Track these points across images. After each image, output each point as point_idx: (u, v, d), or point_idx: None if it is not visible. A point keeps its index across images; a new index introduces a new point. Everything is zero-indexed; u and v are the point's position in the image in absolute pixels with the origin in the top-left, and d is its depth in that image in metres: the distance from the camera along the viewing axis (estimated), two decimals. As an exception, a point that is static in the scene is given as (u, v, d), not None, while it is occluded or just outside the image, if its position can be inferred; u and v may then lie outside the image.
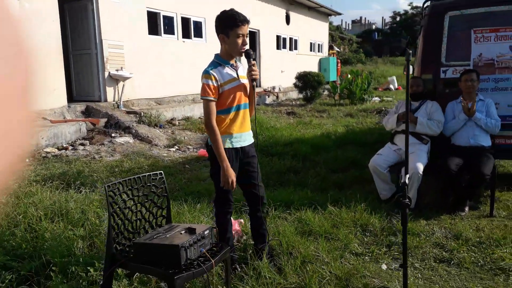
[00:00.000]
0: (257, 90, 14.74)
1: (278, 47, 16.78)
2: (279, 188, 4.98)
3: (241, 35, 2.59)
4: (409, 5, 52.09)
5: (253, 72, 2.66)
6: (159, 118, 8.82)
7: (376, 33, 51.40)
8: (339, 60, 21.77)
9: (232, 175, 2.63)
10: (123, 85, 8.94)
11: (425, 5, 6.02)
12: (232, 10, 2.64)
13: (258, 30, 15.08)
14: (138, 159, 6.38)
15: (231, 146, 2.70)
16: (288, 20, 17.49)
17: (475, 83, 4.26)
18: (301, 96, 15.57)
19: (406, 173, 1.82)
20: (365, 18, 71.12)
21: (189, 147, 7.64)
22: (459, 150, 4.24)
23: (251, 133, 2.87)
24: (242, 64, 2.83)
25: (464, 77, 4.32)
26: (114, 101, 9.05)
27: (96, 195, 4.14)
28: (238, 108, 2.70)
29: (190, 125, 9.22)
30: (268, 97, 14.26)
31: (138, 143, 7.54)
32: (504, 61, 4.41)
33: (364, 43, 43.84)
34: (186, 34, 11.41)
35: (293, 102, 14.54)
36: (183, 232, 2.27)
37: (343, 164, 5.93)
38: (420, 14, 6.32)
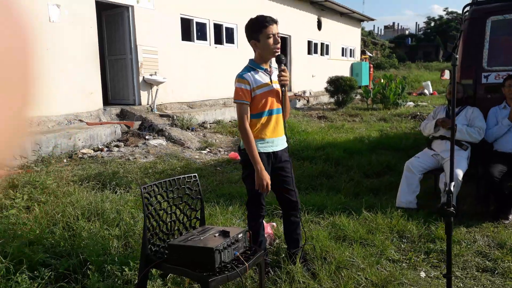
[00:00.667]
0: (288, 94, 14.69)
1: (309, 52, 16.69)
2: (311, 192, 4.91)
3: (271, 35, 2.57)
4: (444, 10, 50.90)
5: (282, 78, 2.65)
6: (191, 122, 8.93)
7: (409, 39, 50.42)
8: (371, 65, 21.42)
9: (267, 177, 2.61)
10: (157, 89, 9.12)
11: (465, 10, 5.85)
12: (258, 15, 2.65)
13: (290, 36, 15.06)
14: (171, 161, 6.47)
15: (262, 151, 2.68)
16: (319, 26, 17.39)
17: (520, 87, 4.07)
18: (332, 100, 15.42)
19: (451, 180, 1.73)
20: (398, 23, 69.81)
21: (220, 149, 7.68)
22: (503, 157, 4.05)
23: (284, 138, 2.85)
24: (277, 69, 2.81)
25: (508, 82, 4.15)
26: (147, 104, 9.23)
27: (130, 196, 4.22)
28: (270, 113, 2.68)
29: (221, 128, 9.28)
30: (299, 101, 14.18)
31: (171, 145, 7.66)
32: (550, 64, 4.19)
33: (396, 48, 43.03)
34: (218, 40, 11.54)
35: (324, 106, 14.39)
36: (217, 234, 2.25)
37: (377, 169, 5.79)
38: (460, 19, 6.10)
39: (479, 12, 4.55)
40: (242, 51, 11.86)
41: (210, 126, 9.49)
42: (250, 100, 2.61)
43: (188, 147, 7.65)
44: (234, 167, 6.31)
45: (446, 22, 48.88)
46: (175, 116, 8.81)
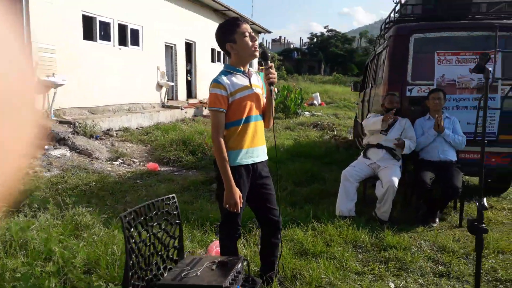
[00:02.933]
0: (193, 101, 14.35)
1: (213, 60, 16.57)
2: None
3: (247, 33, 2.37)
4: (325, 27, 55.56)
5: (270, 75, 2.43)
6: (94, 129, 8.05)
7: (295, 52, 53.76)
8: (268, 75, 22.16)
9: (237, 196, 2.34)
10: (55, 92, 8.02)
11: (382, 27, 6.31)
12: (223, 21, 2.47)
13: (195, 42, 14.76)
14: (81, 174, 5.69)
15: (241, 163, 2.42)
16: (221, 33, 17.41)
17: (442, 101, 4.47)
18: (236, 109, 15.49)
19: (481, 197, 1.73)
20: (284, 37, 73.81)
21: (134, 160, 7.05)
22: (430, 165, 4.40)
23: (264, 148, 2.60)
24: (257, 73, 2.58)
25: (432, 95, 4.52)
26: (43, 109, 8.06)
27: (53, 219, 3.53)
28: (249, 120, 2.42)
29: (129, 136, 8.56)
30: (205, 108, 13.91)
31: (76, 156, 6.76)
32: (464, 82, 4.70)
33: (284, 61, 45.53)
34: (122, 41, 10.68)
35: (229, 115, 14.35)
36: (214, 267, 1.94)
37: (304, 177, 5.87)
38: (378, 36, 6.56)
39: (403, 30, 4.91)
40: (148, 53, 11.18)
41: (116, 134, 8.68)
42: (226, 108, 2.35)
43: (96, 158, 6.84)
44: (156, 180, 5.83)
45: (326, 39, 53.41)
46: (76, 123, 7.85)
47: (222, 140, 2.34)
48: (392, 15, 5.96)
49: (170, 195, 2.21)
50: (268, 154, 2.67)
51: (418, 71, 4.82)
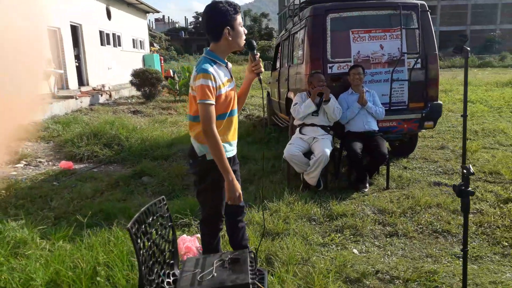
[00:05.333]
0: (85, 89, 13.20)
1: (102, 43, 15.34)
2: (191, 191, 4.63)
3: (241, 24, 2.31)
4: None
5: (260, 65, 2.39)
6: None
7: (182, 32, 52.62)
8: (162, 57, 21.36)
9: (239, 187, 2.30)
10: None
11: (293, 7, 6.48)
12: (219, 1, 2.25)
13: (80, 25, 13.44)
14: (-20, 183, 4.91)
15: (227, 156, 2.35)
16: (109, 15, 16.13)
17: (362, 76, 4.85)
18: (135, 93, 14.70)
19: (464, 162, 1.95)
20: (168, 17, 71.36)
21: (41, 160, 6.29)
22: (356, 136, 4.77)
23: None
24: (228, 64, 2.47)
25: (352, 71, 4.87)
26: None
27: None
28: (232, 113, 2.38)
29: (24, 134, 7.55)
30: (101, 96, 12.91)
31: (-33, 163, 5.77)
32: (377, 57, 5.14)
33: (172, 41, 44.29)
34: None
35: (129, 100, 13.56)
36: (226, 265, 1.88)
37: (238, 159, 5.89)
38: (290, 16, 6.71)
39: (319, 10, 5.14)
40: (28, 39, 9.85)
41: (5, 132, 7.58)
42: (215, 100, 2.23)
43: (-6, 163, 5.93)
44: (76, 179, 5.30)
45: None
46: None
47: (217, 133, 2.21)
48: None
49: (160, 198, 2.04)
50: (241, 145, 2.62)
51: (336, 49, 5.11)
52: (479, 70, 23.66)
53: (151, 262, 1.86)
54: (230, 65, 2.41)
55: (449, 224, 3.52)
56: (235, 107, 2.42)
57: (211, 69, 2.20)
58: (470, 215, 3.72)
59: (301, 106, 4.68)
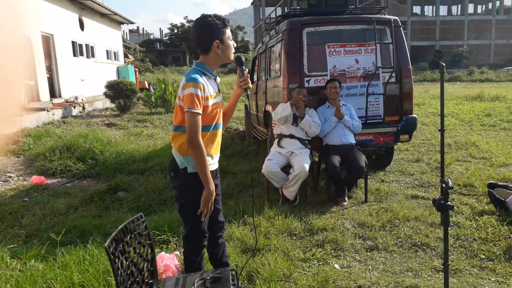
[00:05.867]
0: (58, 101, 12.87)
1: (75, 54, 15.03)
2: (171, 206, 4.53)
3: (231, 37, 2.32)
4: (184, 18, 55.26)
5: (248, 80, 2.39)
6: None
7: (157, 44, 52.32)
8: (136, 69, 21.12)
9: (213, 198, 2.29)
10: None
11: (269, 21, 6.54)
12: (208, 14, 2.30)
13: (52, 35, 13.14)
14: None
15: (210, 169, 2.32)
16: (82, 26, 15.87)
17: (338, 89, 4.91)
18: (109, 105, 14.46)
19: (442, 176, 1.97)
20: (143, 28, 71.05)
21: (11, 175, 6.04)
22: (334, 149, 4.81)
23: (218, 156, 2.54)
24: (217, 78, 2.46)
25: (329, 85, 4.92)
26: None
27: None
28: (217, 127, 2.37)
29: (-7, 149, 7.26)
30: (74, 108, 12.60)
31: None
32: (352, 71, 5.22)
33: (147, 53, 43.93)
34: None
35: (104, 113, 13.29)
36: (208, 284, 1.82)
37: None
38: (267, 29, 6.75)
39: (295, 24, 5.19)
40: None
41: (-26, 146, 7.27)
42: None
43: (-41, 178, 5.66)
44: (48, 194, 5.11)
45: (188, 30, 53.17)
46: None
47: (203, 143, 2.20)
48: (280, 9, 6.24)
49: (138, 215, 1.98)
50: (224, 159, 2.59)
51: (313, 63, 5.16)
52: (448, 84, 24.50)
53: (129, 282, 1.79)
54: (218, 79, 2.43)
55: (428, 237, 3.56)
56: (220, 121, 2.41)
57: (201, 79, 2.20)
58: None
59: (279, 107, 4.73)
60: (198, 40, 2.28)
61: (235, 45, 2.39)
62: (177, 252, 3.17)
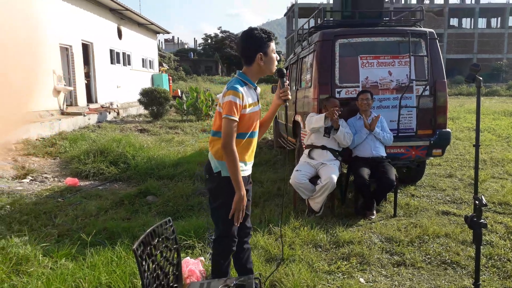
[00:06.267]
0: (94, 106, 13.34)
1: (112, 62, 15.57)
2: (198, 212, 4.59)
3: (275, 51, 2.41)
4: (218, 28, 56.21)
5: (288, 92, 2.44)
6: (-12, 143, 6.99)
7: (191, 53, 53.39)
8: (170, 77, 21.62)
9: (245, 203, 2.35)
10: None
11: (301, 32, 6.57)
12: (259, 27, 2.41)
13: (92, 43, 13.69)
14: (-14, 197, 4.90)
15: (243, 175, 2.39)
16: (120, 35, 16.45)
17: (370, 101, 4.85)
18: (142, 112, 14.84)
19: (476, 193, 1.91)
20: (178, 38, 72.91)
21: (47, 176, 6.30)
22: (364, 161, 4.74)
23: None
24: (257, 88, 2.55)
25: (361, 96, 4.87)
26: None
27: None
28: (252, 135, 2.43)
29: (32, 150, 7.61)
30: (109, 113, 13.02)
31: (-27, 177, 5.79)
32: (385, 83, 5.16)
33: (181, 62, 44.93)
34: None
35: (137, 119, 13.67)
36: (232, 292, 1.83)
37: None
38: (299, 40, 6.79)
39: (328, 35, 5.19)
40: (41, 56, 10.05)
41: (15, 147, 7.64)
42: (239, 118, 2.29)
43: (0, 177, 5.95)
44: (81, 196, 5.29)
45: (221, 40, 54.01)
46: (-35, 137, 6.71)
47: (235, 149, 2.28)
48: (313, 20, 6.26)
49: (167, 219, 2.02)
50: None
51: (344, 74, 5.13)
52: (486, 98, 23.68)
53: (154, 285, 1.82)
54: (259, 89, 2.51)
55: (458, 255, 3.44)
56: (256, 130, 2.47)
57: (241, 88, 2.30)
58: (480, 247, 3.63)
59: (314, 117, 4.69)
60: (243, 51, 2.39)
61: (278, 58, 2.47)
62: (202, 258, 3.20)
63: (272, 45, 2.39)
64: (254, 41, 2.35)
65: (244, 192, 2.30)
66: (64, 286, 2.62)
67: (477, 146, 1.93)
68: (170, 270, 2.01)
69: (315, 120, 4.66)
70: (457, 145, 8.59)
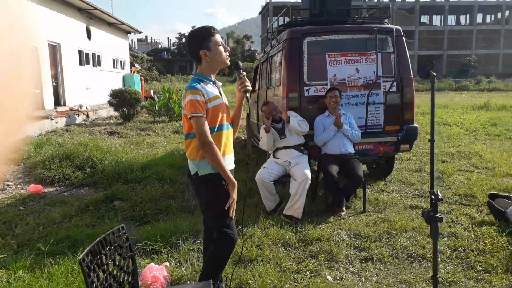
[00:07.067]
0: (62, 109, 12.96)
1: (81, 63, 15.18)
2: (167, 216, 4.49)
3: (220, 43, 2.40)
4: (192, 27, 55.73)
5: (246, 83, 2.46)
6: None
7: (165, 53, 52.78)
8: (142, 77, 21.28)
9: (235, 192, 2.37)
10: None
11: (271, 30, 6.55)
12: (195, 28, 2.49)
13: (59, 44, 13.30)
14: None
15: (213, 171, 2.35)
16: (89, 35, 16.05)
17: (338, 99, 4.85)
18: (113, 114, 14.53)
19: (432, 187, 1.91)
20: (151, 37, 71.91)
21: (9, 183, 6.04)
22: (333, 158, 4.74)
23: (233, 157, 2.57)
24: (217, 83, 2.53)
25: (329, 94, 4.87)
26: None
27: None
28: (221, 128, 2.40)
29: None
30: (78, 116, 12.68)
31: None
32: (353, 80, 5.18)
33: (155, 62, 44.33)
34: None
35: (107, 121, 13.35)
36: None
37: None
38: (269, 38, 6.76)
39: (296, 34, 5.17)
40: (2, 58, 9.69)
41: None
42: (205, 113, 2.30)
43: (-42, 186, 5.67)
44: (45, 203, 5.09)
45: (195, 39, 53.55)
46: None
47: (213, 143, 2.28)
48: (281, 19, 6.24)
49: (119, 226, 1.93)
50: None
51: (313, 72, 5.12)
52: (456, 93, 24.34)
53: (106, 297, 1.74)
54: (219, 83, 2.52)
55: (424, 249, 3.47)
56: (225, 122, 2.44)
57: (198, 85, 2.33)
58: (445, 239, 3.69)
59: (263, 140, 4.68)
60: (189, 52, 2.44)
61: (228, 48, 2.48)
62: (167, 263, 3.12)
63: (215, 38, 2.38)
64: (194, 40, 2.40)
65: (234, 180, 2.33)
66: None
67: (432, 141, 1.93)
68: (125, 278, 1.93)
69: (263, 138, 4.67)
70: (426, 139, 8.75)
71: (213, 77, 2.45)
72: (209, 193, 2.37)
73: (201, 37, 2.38)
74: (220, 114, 2.39)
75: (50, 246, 3.57)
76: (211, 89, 2.40)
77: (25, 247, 3.69)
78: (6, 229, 4.18)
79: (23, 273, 2.97)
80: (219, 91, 2.46)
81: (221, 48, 2.41)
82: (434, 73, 1.96)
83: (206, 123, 2.28)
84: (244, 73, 2.50)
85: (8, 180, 6.20)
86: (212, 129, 2.34)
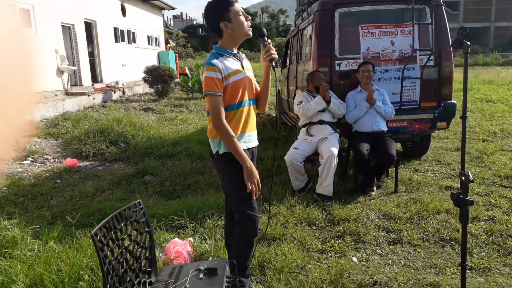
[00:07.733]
0: (99, 85, 13.28)
1: (116, 40, 15.39)
2: (195, 192, 4.53)
3: (241, 12, 2.23)
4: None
5: (272, 51, 2.29)
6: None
7: (200, 29, 52.60)
8: (177, 54, 21.38)
9: (256, 173, 2.26)
10: None
11: (302, 2, 6.31)
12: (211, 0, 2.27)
13: (95, 21, 13.50)
14: (-15, 180, 4.91)
15: (244, 148, 2.29)
16: (124, 12, 16.19)
17: (372, 73, 4.64)
18: (148, 91, 14.75)
19: (462, 168, 1.77)
20: (186, 14, 71.88)
21: (48, 157, 6.29)
22: (364, 136, 4.58)
23: (256, 134, 2.47)
24: (245, 55, 2.41)
25: (362, 68, 4.66)
26: None
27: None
28: (242, 105, 2.28)
29: (35, 131, 7.60)
30: (114, 93, 12.96)
31: (-26, 159, 5.81)
32: (387, 54, 4.92)
33: (189, 38, 44.38)
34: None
35: (142, 97, 13.59)
36: (201, 275, 1.75)
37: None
38: (299, 11, 6.53)
39: (328, 5, 4.94)
40: (43, 36, 9.97)
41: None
42: (222, 91, 2.19)
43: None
44: (79, 177, 5.27)
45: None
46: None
47: (227, 124, 2.18)
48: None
49: (136, 201, 1.93)
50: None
51: (345, 45, 4.91)
52: (503, 68, 22.90)
53: (122, 270, 1.75)
54: (242, 55, 2.37)
55: (458, 232, 3.30)
56: (246, 98, 2.31)
57: (215, 61, 2.19)
58: (481, 223, 3.50)
59: (311, 103, 4.50)
60: (209, 26, 2.28)
61: (250, 18, 2.29)
62: (191, 239, 3.14)
63: (234, 8, 2.21)
64: (213, 13, 2.23)
65: (250, 163, 2.21)
66: (48, 269, 2.58)
67: (464, 117, 1.77)
68: (142, 254, 1.94)
69: (315, 104, 4.48)
70: (467, 117, 8.31)
71: (235, 50, 2.31)
72: (229, 172, 2.30)
73: (219, 8, 2.22)
74: (241, 90, 2.26)
75: (81, 218, 3.70)
76: (232, 63, 2.26)
77: (58, 218, 3.84)
78: (43, 201, 4.36)
79: (54, 243, 3.08)
80: (241, 64, 2.31)
81: (242, 18, 2.24)
82: (468, 43, 1.77)
83: (220, 102, 2.17)
84: (269, 40, 2.32)
85: (47, 154, 6.45)
86: (232, 106, 2.24)
